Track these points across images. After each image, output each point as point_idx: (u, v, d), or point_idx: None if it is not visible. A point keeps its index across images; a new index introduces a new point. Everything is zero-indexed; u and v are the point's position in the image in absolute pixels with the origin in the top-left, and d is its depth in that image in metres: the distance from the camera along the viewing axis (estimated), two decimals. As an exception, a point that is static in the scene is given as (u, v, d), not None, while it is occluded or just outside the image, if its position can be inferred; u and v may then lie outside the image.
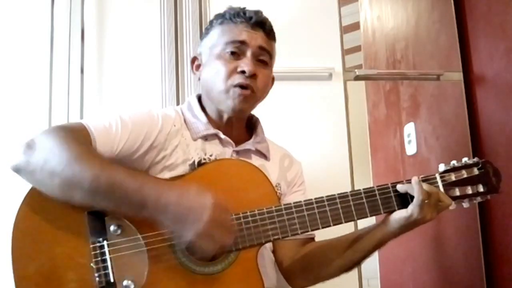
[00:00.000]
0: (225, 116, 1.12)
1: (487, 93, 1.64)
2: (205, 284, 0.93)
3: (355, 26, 2.08)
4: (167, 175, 1.03)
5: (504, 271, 1.52)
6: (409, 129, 1.92)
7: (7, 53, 1.56)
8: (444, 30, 1.79)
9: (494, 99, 1.60)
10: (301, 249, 1.12)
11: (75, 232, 0.90)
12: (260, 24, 1.11)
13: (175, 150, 1.05)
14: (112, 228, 0.91)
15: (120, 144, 0.99)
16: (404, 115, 1.98)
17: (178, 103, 1.55)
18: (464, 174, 1.05)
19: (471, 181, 1.04)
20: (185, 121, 1.12)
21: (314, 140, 1.61)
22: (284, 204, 0.98)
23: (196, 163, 1.06)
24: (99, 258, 0.89)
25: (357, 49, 2.09)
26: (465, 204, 1.05)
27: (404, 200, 1.00)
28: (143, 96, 1.58)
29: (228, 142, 1.11)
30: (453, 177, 1.04)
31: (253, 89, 1.08)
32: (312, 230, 0.99)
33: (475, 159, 1.07)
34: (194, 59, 1.19)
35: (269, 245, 1.13)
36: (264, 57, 1.11)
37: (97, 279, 0.87)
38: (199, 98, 1.17)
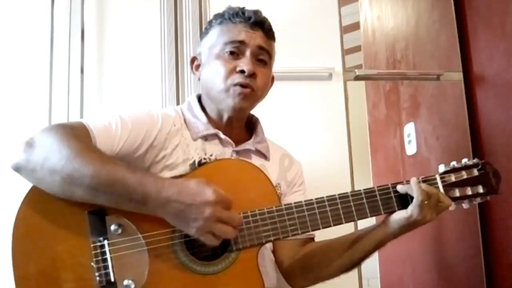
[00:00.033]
0: (225, 116, 1.12)
1: (487, 93, 1.64)
2: (205, 283, 0.93)
3: (355, 26, 2.08)
4: (167, 174, 1.03)
5: (504, 271, 1.53)
6: (409, 129, 1.92)
7: (7, 53, 1.56)
8: (444, 30, 1.79)
9: (494, 99, 1.60)
10: (301, 249, 1.12)
11: (76, 231, 0.90)
12: (259, 24, 1.11)
13: (175, 150, 1.06)
14: (112, 227, 0.91)
15: (120, 143, 0.99)
16: (404, 115, 1.98)
17: (178, 103, 1.55)
18: (464, 175, 1.05)
19: (471, 182, 1.05)
20: (185, 121, 1.12)
21: (314, 140, 1.61)
22: (285, 204, 0.98)
23: (196, 162, 1.06)
24: (100, 258, 0.89)
25: (357, 49, 2.09)
26: (465, 205, 1.05)
27: (405, 200, 1.00)
28: (143, 96, 1.58)
29: (228, 142, 1.11)
30: (453, 178, 1.04)
31: (252, 88, 1.08)
32: (313, 230, 0.98)
33: (475, 160, 1.07)
34: (193, 59, 1.19)
35: (269, 245, 1.13)
36: (263, 57, 1.11)
37: (97, 278, 0.88)
38: (199, 98, 1.17)
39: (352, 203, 1.00)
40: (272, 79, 1.19)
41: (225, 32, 1.11)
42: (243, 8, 1.13)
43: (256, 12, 1.12)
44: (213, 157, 1.08)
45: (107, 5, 1.63)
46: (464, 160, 1.07)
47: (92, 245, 0.89)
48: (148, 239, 0.92)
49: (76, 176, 0.87)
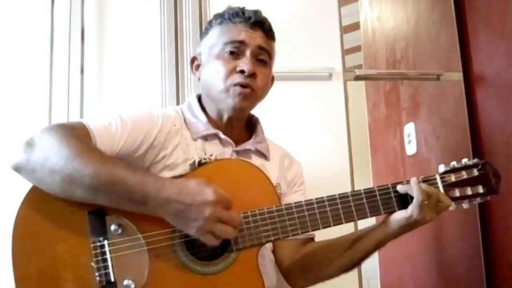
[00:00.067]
0: (225, 116, 1.12)
1: (487, 93, 1.64)
2: (205, 283, 0.93)
3: (355, 26, 2.08)
4: (167, 174, 1.03)
5: (504, 271, 1.53)
6: (409, 129, 1.92)
7: (7, 53, 1.56)
8: (444, 30, 1.79)
9: (494, 99, 1.60)
10: (301, 249, 1.12)
11: (76, 231, 0.90)
12: (259, 23, 1.11)
13: (175, 150, 1.06)
14: (112, 227, 0.91)
15: (120, 143, 0.99)
16: (404, 115, 1.98)
17: (178, 103, 1.55)
18: (464, 175, 1.05)
19: (471, 182, 1.05)
20: (185, 121, 1.12)
21: (314, 140, 1.61)
22: (285, 204, 0.98)
23: (196, 162, 1.06)
24: (100, 258, 0.89)
25: (357, 49, 2.09)
26: (465, 205, 1.06)
27: (405, 200, 1.00)
28: (143, 96, 1.58)
29: (228, 142, 1.11)
30: (453, 178, 1.04)
31: (252, 88, 1.08)
32: (313, 230, 0.98)
33: (475, 160, 1.07)
34: (193, 59, 1.19)
35: (269, 245, 1.13)
36: (263, 57, 1.11)
37: (97, 278, 0.88)
38: (199, 98, 1.17)
39: (352, 203, 1.00)
40: (272, 79, 1.19)
41: (225, 32, 1.11)
42: (243, 8, 1.13)
43: (256, 12, 1.12)
44: (213, 157, 1.08)
45: (107, 5, 1.63)
46: (464, 160, 1.07)
47: (92, 245, 0.89)
48: (148, 239, 0.92)
49: (76, 176, 0.87)
